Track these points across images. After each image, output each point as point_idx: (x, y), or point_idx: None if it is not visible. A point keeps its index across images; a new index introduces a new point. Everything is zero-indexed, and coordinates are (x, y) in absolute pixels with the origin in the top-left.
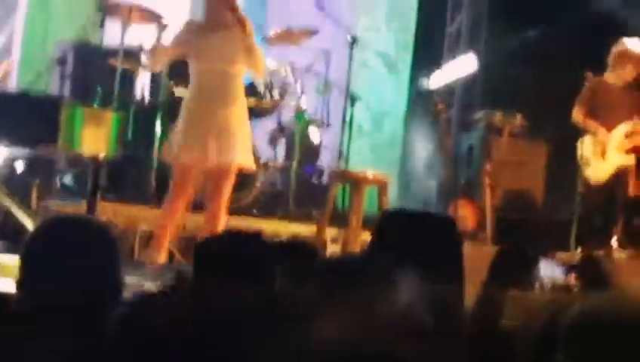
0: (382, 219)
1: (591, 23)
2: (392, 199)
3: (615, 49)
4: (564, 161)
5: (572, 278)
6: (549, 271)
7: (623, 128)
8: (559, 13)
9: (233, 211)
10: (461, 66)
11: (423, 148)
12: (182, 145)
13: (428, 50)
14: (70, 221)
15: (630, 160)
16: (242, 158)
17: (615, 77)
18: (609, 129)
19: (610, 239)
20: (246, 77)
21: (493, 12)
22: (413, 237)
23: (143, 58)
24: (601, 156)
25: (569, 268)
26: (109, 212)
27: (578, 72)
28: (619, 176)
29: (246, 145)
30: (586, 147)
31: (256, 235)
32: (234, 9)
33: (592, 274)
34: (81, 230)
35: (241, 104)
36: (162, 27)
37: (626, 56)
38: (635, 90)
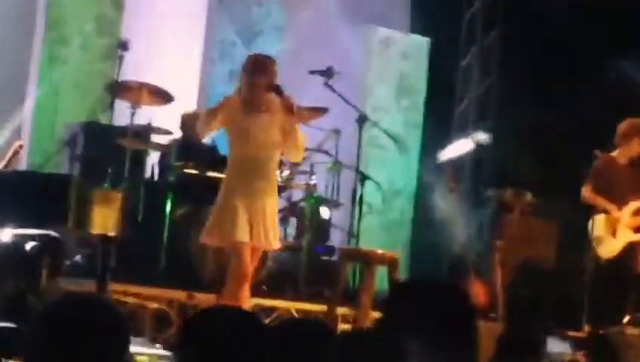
0: (393, 288)
1: (600, 101)
2: (403, 278)
3: (620, 127)
4: (574, 238)
5: (580, 355)
6: (558, 347)
7: (632, 206)
8: (568, 91)
9: None
10: (467, 143)
11: (433, 226)
12: (236, 226)
13: (437, 129)
14: (77, 300)
15: (638, 237)
16: (277, 243)
17: (621, 154)
18: (618, 207)
19: (623, 317)
20: None
21: (502, 91)
22: (424, 306)
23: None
24: (612, 235)
25: (577, 345)
26: (119, 291)
27: (588, 150)
28: (628, 253)
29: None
30: (597, 226)
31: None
32: (280, 92)
33: (601, 351)
34: (87, 309)
35: (275, 187)
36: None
37: (630, 131)
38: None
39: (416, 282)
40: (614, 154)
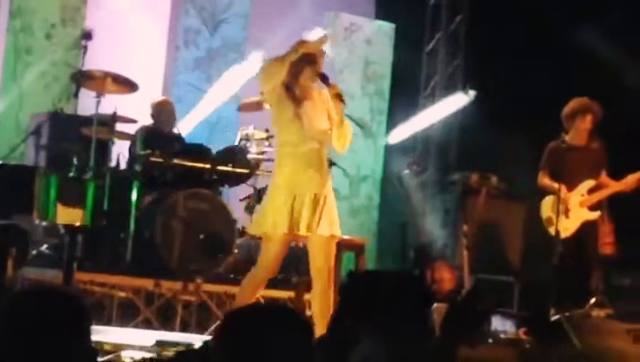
0: (347, 280)
1: (564, 84)
2: (370, 263)
3: (565, 109)
4: (540, 221)
5: (522, 332)
6: (501, 325)
7: (585, 185)
8: (533, 74)
9: (211, 278)
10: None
11: (400, 211)
12: (285, 219)
13: (403, 115)
14: (36, 291)
15: (594, 215)
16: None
17: (573, 136)
18: (573, 188)
19: (588, 298)
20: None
21: (467, 75)
22: (379, 295)
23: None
24: (565, 214)
25: (519, 323)
26: (86, 280)
27: (554, 132)
28: (586, 233)
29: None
30: (547, 207)
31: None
32: (326, 80)
33: (542, 328)
34: (46, 300)
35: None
36: None
37: (574, 110)
38: (593, 147)
39: (370, 271)
40: (566, 137)
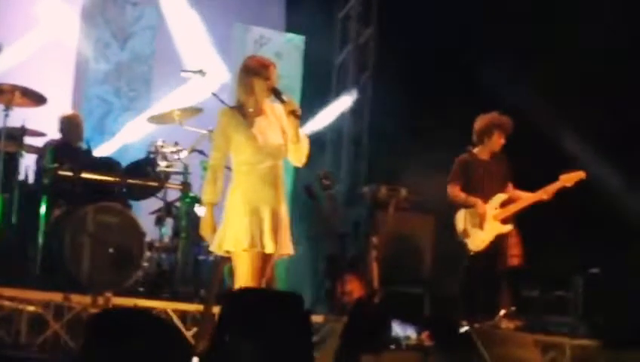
0: (224, 298)
1: (475, 99)
2: (280, 276)
3: (477, 124)
4: (451, 232)
5: (425, 336)
6: (402, 331)
7: (497, 198)
8: (442, 87)
9: (120, 291)
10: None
11: (309, 225)
12: (264, 235)
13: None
14: None
15: (507, 228)
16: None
17: (483, 150)
18: (484, 201)
19: (497, 309)
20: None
21: (377, 89)
22: (258, 314)
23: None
24: (479, 227)
25: (421, 328)
26: None
27: (464, 144)
28: (497, 246)
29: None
30: (462, 220)
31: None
32: (280, 96)
33: (445, 334)
34: None
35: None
36: None
37: (489, 126)
38: (500, 160)
39: (246, 290)
40: (475, 150)
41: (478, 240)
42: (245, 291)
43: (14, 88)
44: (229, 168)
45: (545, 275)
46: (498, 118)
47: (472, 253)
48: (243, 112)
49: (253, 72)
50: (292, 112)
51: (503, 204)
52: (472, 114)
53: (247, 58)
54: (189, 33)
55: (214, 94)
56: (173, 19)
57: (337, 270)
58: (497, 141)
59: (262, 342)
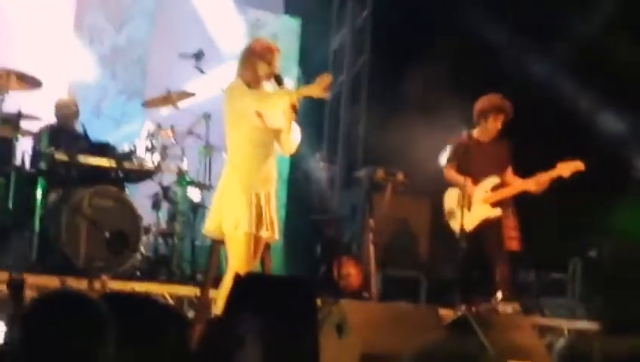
0: (235, 284)
1: (470, 76)
2: (276, 260)
3: (477, 104)
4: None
5: None
6: None
7: (489, 181)
8: (440, 67)
9: (116, 275)
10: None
11: (306, 208)
12: (254, 220)
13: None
14: (59, 297)
15: (496, 212)
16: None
17: (481, 132)
18: (477, 183)
19: (494, 292)
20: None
21: (374, 70)
22: (266, 300)
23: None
24: (467, 208)
25: None
26: None
27: (459, 126)
28: (489, 228)
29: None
30: (450, 200)
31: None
32: (281, 82)
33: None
34: (70, 306)
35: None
36: None
37: (486, 108)
38: (500, 144)
39: (256, 275)
40: (474, 132)
41: (465, 221)
42: (255, 275)
43: (9, 72)
44: (219, 149)
45: (542, 258)
46: (496, 101)
47: (457, 234)
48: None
49: (258, 54)
50: (290, 104)
51: (496, 188)
52: (470, 96)
53: (254, 40)
54: (186, 16)
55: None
56: (171, 4)
57: (334, 253)
58: (494, 124)
59: (271, 327)
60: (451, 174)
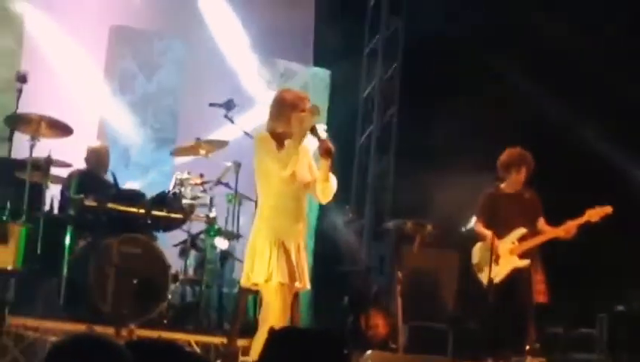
0: (270, 337)
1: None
2: (305, 310)
3: (500, 159)
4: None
5: None
6: None
7: (516, 233)
8: (469, 117)
9: (144, 323)
10: None
11: (335, 259)
12: (286, 271)
13: (339, 162)
14: (82, 341)
15: (523, 263)
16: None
17: (507, 185)
18: (505, 235)
19: (522, 345)
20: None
21: (403, 121)
22: (300, 354)
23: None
24: (495, 261)
25: None
26: (18, 325)
27: (487, 178)
28: (515, 281)
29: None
30: (479, 253)
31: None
32: (316, 132)
33: None
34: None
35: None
36: None
37: (509, 162)
38: (527, 195)
39: (291, 329)
40: (502, 185)
41: (493, 274)
42: (290, 329)
43: (41, 118)
44: (250, 199)
45: (569, 312)
46: (517, 155)
47: (485, 287)
48: (278, 142)
49: (290, 104)
50: (327, 151)
51: (523, 239)
52: (497, 150)
53: (283, 91)
54: (217, 67)
55: (246, 133)
56: (201, 53)
57: (362, 304)
58: (517, 177)
59: None
60: (479, 228)
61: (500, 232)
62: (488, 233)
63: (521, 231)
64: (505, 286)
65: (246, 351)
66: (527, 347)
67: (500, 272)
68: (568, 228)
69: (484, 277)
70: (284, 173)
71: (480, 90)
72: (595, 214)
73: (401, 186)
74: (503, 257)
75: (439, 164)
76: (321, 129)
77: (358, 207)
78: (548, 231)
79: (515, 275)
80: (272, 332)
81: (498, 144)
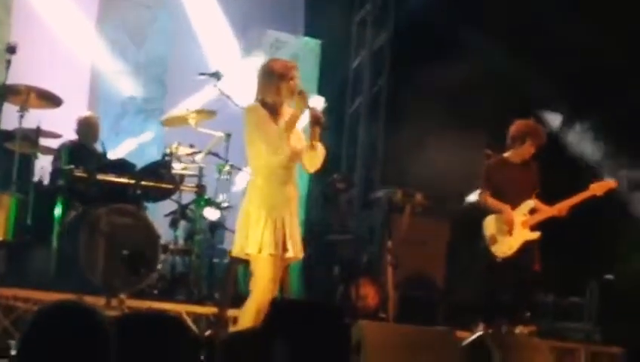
0: (271, 308)
1: (494, 101)
2: (294, 280)
3: (512, 129)
4: (465, 238)
5: None
6: None
7: (526, 205)
8: (459, 90)
9: (134, 293)
10: None
11: (325, 228)
12: (279, 242)
13: (329, 131)
14: (61, 308)
15: (535, 235)
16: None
17: (514, 155)
18: (513, 206)
19: (519, 314)
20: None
21: (392, 88)
22: (300, 325)
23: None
24: (508, 233)
25: None
26: (9, 296)
27: (480, 149)
28: (525, 251)
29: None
30: (491, 226)
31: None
32: (306, 100)
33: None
34: (71, 315)
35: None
36: None
37: (522, 133)
38: (530, 167)
39: (293, 301)
40: (507, 154)
41: (505, 247)
42: (291, 301)
43: (30, 89)
44: (239, 168)
45: (559, 281)
46: (534, 127)
47: (498, 260)
48: (270, 113)
49: (279, 74)
50: (317, 120)
51: (532, 211)
52: (486, 118)
53: (271, 60)
54: (205, 36)
55: (229, 97)
56: (189, 23)
57: (352, 274)
58: (528, 149)
59: (303, 353)
60: (489, 201)
61: (508, 203)
62: (504, 206)
63: (530, 203)
64: (513, 257)
65: (237, 321)
66: (518, 315)
67: (513, 244)
68: (562, 209)
69: (498, 249)
70: (275, 158)
71: (471, 59)
72: (599, 188)
73: (391, 156)
74: (515, 229)
75: (429, 133)
76: (320, 101)
77: (349, 176)
78: (544, 209)
79: (525, 247)
80: (274, 302)
81: (488, 113)
